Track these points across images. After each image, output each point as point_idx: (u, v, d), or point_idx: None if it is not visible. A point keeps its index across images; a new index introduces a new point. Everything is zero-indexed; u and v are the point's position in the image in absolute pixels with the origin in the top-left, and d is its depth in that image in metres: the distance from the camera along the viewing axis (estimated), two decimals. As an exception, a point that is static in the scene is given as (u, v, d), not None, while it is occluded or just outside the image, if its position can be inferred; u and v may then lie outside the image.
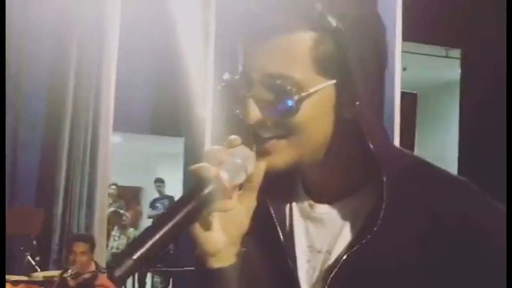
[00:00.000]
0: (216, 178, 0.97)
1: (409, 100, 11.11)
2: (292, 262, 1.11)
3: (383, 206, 1.02)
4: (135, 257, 0.88)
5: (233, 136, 1.04)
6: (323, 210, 1.11)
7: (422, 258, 1.01)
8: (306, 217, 1.13)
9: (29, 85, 8.24)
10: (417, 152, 10.96)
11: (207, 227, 1.03)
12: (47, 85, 8.34)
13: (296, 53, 1.01)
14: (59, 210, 7.89)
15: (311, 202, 1.13)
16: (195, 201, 0.96)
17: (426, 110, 11.99)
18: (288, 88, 1.00)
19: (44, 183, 8.16)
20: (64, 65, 8.13)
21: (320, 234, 1.11)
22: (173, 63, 8.09)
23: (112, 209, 11.19)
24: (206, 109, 7.69)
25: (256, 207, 1.08)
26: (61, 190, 7.92)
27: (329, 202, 1.11)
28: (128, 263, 0.88)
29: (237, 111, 1.08)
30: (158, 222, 0.93)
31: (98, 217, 7.95)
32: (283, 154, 1.04)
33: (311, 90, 1.00)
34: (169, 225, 0.92)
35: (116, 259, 0.89)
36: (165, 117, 8.98)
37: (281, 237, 1.12)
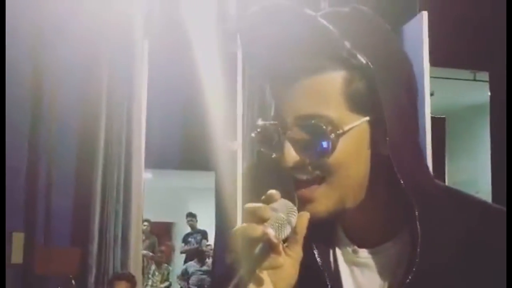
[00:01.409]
0: (264, 237, 0.98)
1: (438, 125, 11.05)
2: None
3: (418, 248, 1.02)
4: None
5: (272, 191, 1.03)
6: (367, 254, 1.11)
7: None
8: (351, 262, 1.13)
9: (60, 127, 8.36)
10: (448, 176, 10.87)
11: (259, 284, 1.03)
12: (78, 126, 8.45)
13: (328, 93, 1.01)
14: (94, 249, 7.93)
15: (354, 247, 1.13)
16: (246, 263, 0.98)
17: (455, 134, 11.90)
18: (323, 127, 1.00)
19: (78, 222, 8.22)
20: (94, 105, 8.23)
21: (367, 278, 1.11)
22: (201, 98, 8.16)
23: (147, 243, 11.22)
24: (236, 142, 7.73)
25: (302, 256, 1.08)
26: (95, 229, 7.97)
27: (372, 246, 1.11)
28: None
29: (273, 155, 1.07)
30: None
31: (133, 254, 7.97)
32: (325, 201, 1.04)
33: (346, 128, 1.01)
34: None
35: None
36: (195, 152, 9.02)
37: (328, 284, 1.11)
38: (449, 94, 10.28)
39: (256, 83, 8.44)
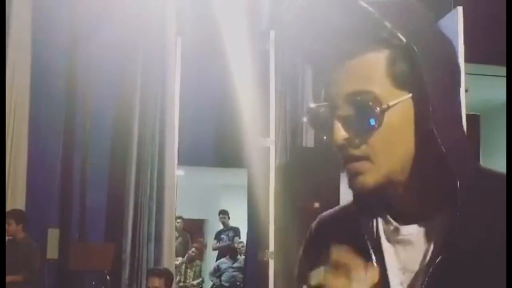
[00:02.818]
0: None
1: (472, 122, 10.91)
2: (385, 286, 1.13)
3: (457, 224, 1.04)
4: None
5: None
6: (409, 231, 1.13)
7: (498, 267, 1.03)
8: (394, 240, 1.15)
9: (94, 125, 8.45)
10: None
11: None
12: (112, 123, 8.54)
13: (372, 71, 1.05)
14: (128, 245, 8.00)
15: (396, 224, 1.14)
16: None
17: (489, 131, 11.75)
18: (369, 103, 1.03)
19: (112, 218, 8.31)
20: (128, 103, 8.31)
21: (410, 255, 1.13)
22: (234, 95, 8.18)
23: (180, 240, 11.29)
24: (269, 139, 7.73)
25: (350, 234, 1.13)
26: (129, 226, 8.04)
27: (414, 222, 1.12)
28: None
29: (324, 137, 1.11)
30: None
31: (166, 250, 8.03)
32: (374, 174, 1.07)
33: (391, 103, 1.04)
34: None
35: None
36: (227, 149, 9.04)
37: (373, 256, 1.14)
38: (484, 91, 10.17)
39: (289, 78, 8.44)
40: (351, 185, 1.10)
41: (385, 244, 1.16)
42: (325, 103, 1.09)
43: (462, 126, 1.12)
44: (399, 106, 1.04)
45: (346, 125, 1.06)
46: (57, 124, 8.44)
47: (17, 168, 7.77)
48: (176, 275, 10.93)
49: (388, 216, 1.16)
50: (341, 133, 1.06)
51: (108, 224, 8.39)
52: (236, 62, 8.23)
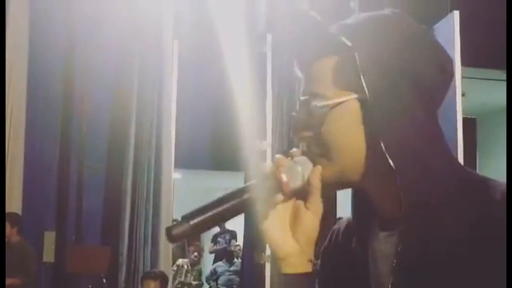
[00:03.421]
0: (275, 176, 1.08)
1: (469, 125, 10.94)
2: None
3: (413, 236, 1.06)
4: (191, 223, 1.04)
5: (294, 149, 1.13)
6: (384, 238, 1.14)
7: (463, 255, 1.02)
8: (378, 244, 1.16)
9: (91, 127, 8.45)
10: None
11: (283, 234, 1.12)
12: (109, 126, 8.54)
13: (322, 74, 1.11)
14: (125, 248, 8.00)
15: (377, 231, 1.16)
16: (253, 191, 1.08)
17: (485, 135, 11.78)
18: (314, 102, 1.10)
19: (109, 221, 8.31)
20: (125, 106, 8.31)
21: (384, 259, 1.14)
22: (231, 98, 8.18)
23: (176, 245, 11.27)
24: (266, 142, 7.73)
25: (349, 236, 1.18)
26: (126, 229, 8.04)
27: (388, 229, 1.13)
28: (184, 226, 1.04)
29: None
30: (218, 202, 1.07)
31: (163, 253, 8.03)
32: (327, 171, 1.11)
33: (333, 101, 1.09)
34: (226, 206, 1.07)
35: (176, 223, 1.05)
36: (224, 152, 9.05)
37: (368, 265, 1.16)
38: (481, 94, 10.19)
39: (285, 82, 8.45)
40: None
41: (372, 249, 1.17)
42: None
43: (418, 128, 1.10)
44: (344, 106, 1.09)
45: (301, 123, 1.13)
46: (54, 127, 8.43)
47: (14, 171, 7.76)
48: (176, 277, 10.93)
49: (377, 228, 1.17)
50: (297, 129, 1.14)
51: (104, 227, 8.38)
52: (233, 65, 8.22)
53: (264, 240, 1.14)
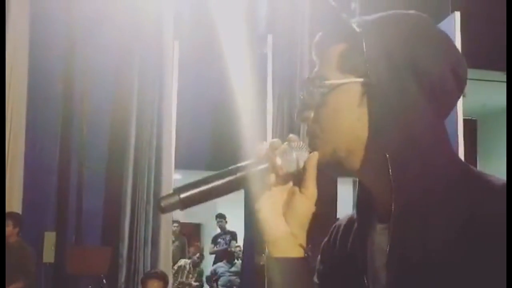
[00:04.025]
0: (270, 159, 1.10)
1: (469, 127, 10.94)
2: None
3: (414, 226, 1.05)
4: (181, 196, 1.06)
5: (291, 135, 1.14)
6: (381, 230, 1.14)
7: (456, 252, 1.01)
8: (376, 236, 1.16)
9: (91, 128, 8.44)
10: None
11: (275, 219, 1.12)
12: (109, 127, 8.53)
13: (327, 58, 1.15)
14: (125, 249, 7.99)
15: (374, 223, 1.16)
16: (246, 171, 1.09)
17: (486, 136, 11.78)
18: (317, 82, 1.13)
19: (109, 222, 8.30)
20: (125, 106, 8.31)
21: (380, 252, 1.13)
22: (231, 99, 8.17)
23: (177, 244, 11.28)
24: (266, 143, 7.72)
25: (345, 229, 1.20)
26: (126, 229, 8.04)
27: (384, 221, 1.12)
28: (174, 198, 1.06)
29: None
30: (210, 178, 1.08)
31: (163, 254, 8.02)
32: (320, 150, 1.12)
33: (332, 82, 1.12)
34: (219, 182, 1.08)
35: (167, 194, 1.06)
36: (225, 153, 9.03)
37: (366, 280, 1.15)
38: (481, 96, 10.18)
39: (286, 84, 8.44)
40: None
41: (370, 240, 1.17)
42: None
43: (426, 118, 1.11)
44: (345, 88, 1.11)
45: (305, 105, 1.16)
46: (54, 127, 8.43)
47: (14, 171, 7.75)
48: (177, 278, 10.92)
49: (376, 221, 1.16)
50: (301, 110, 1.17)
51: (104, 228, 8.38)
52: (233, 66, 8.22)
53: (255, 220, 1.13)
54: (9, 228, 7.03)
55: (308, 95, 1.14)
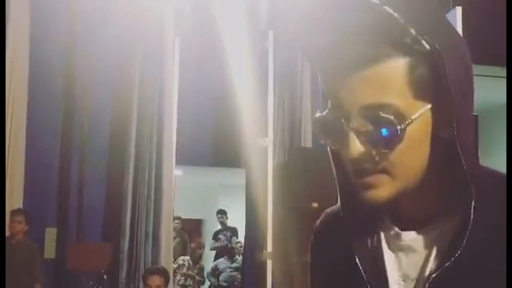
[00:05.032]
0: None
1: (470, 123, 10.90)
2: None
3: (468, 228, 1.00)
4: None
5: None
6: (411, 237, 1.09)
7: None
8: (396, 247, 1.11)
9: (92, 124, 8.44)
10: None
11: None
12: (110, 123, 8.53)
13: (392, 81, 0.98)
14: (125, 245, 7.99)
15: (397, 230, 1.11)
16: None
17: (487, 132, 11.76)
18: (391, 117, 0.97)
19: (110, 218, 8.30)
20: (126, 103, 8.30)
21: (411, 261, 1.09)
22: (232, 95, 8.17)
23: (178, 241, 11.29)
24: (267, 139, 7.72)
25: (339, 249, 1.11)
26: (127, 225, 8.04)
27: (416, 228, 1.09)
28: None
29: (333, 147, 1.06)
30: None
31: (164, 250, 8.02)
32: (388, 188, 1.02)
33: (413, 117, 0.98)
34: None
35: None
36: (225, 149, 9.04)
37: (365, 277, 1.10)
38: (482, 91, 10.16)
39: (287, 79, 8.43)
40: (363, 199, 1.04)
41: (386, 250, 1.12)
42: (337, 113, 1.02)
43: (473, 131, 1.08)
44: (419, 118, 0.99)
45: (363, 139, 1.00)
46: (55, 123, 8.42)
47: (15, 167, 7.75)
48: (176, 275, 10.92)
49: (389, 221, 1.12)
50: (357, 146, 1.00)
51: (105, 224, 8.38)
52: (234, 62, 8.22)
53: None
54: (22, 225, 7.02)
55: (380, 138, 0.98)
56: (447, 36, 1.01)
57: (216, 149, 9.46)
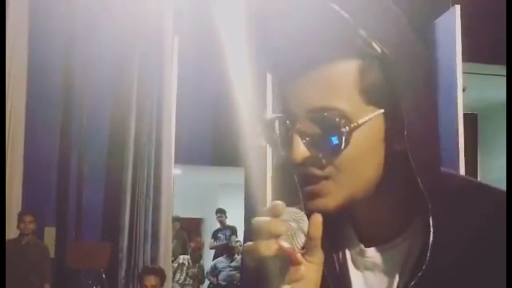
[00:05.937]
0: (280, 251, 0.93)
1: (470, 121, 10.91)
2: None
3: (430, 243, 0.96)
4: None
5: (276, 202, 0.97)
6: (374, 253, 1.05)
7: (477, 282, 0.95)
8: (361, 265, 1.07)
9: (91, 123, 8.44)
10: (480, 174, 10.74)
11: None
12: (109, 122, 8.53)
13: (341, 84, 0.94)
14: (124, 244, 7.99)
15: (362, 247, 1.06)
16: (267, 282, 0.94)
17: (487, 130, 11.75)
18: (336, 120, 0.93)
19: (109, 217, 8.30)
20: (125, 101, 8.29)
21: (378, 280, 1.04)
22: (231, 94, 8.16)
23: (177, 240, 11.29)
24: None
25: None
26: (126, 224, 8.03)
27: (379, 244, 1.04)
28: None
29: (282, 152, 1.00)
30: None
31: (163, 249, 8.01)
32: (335, 195, 0.97)
33: (360, 121, 0.94)
34: None
35: None
36: (224, 148, 9.03)
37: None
38: (482, 90, 10.15)
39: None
40: (308, 208, 0.99)
41: (352, 268, 1.07)
42: (283, 115, 0.98)
43: (437, 140, 1.02)
44: (369, 123, 0.94)
45: (308, 143, 0.95)
46: (54, 122, 8.42)
47: (14, 166, 7.75)
48: (176, 274, 10.92)
49: (354, 237, 1.08)
50: (300, 150, 0.95)
51: (104, 223, 8.38)
52: (233, 61, 8.21)
53: None
54: (33, 225, 7.01)
55: (325, 142, 0.94)
56: (402, 41, 0.97)
57: (215, 148, 9.46)
